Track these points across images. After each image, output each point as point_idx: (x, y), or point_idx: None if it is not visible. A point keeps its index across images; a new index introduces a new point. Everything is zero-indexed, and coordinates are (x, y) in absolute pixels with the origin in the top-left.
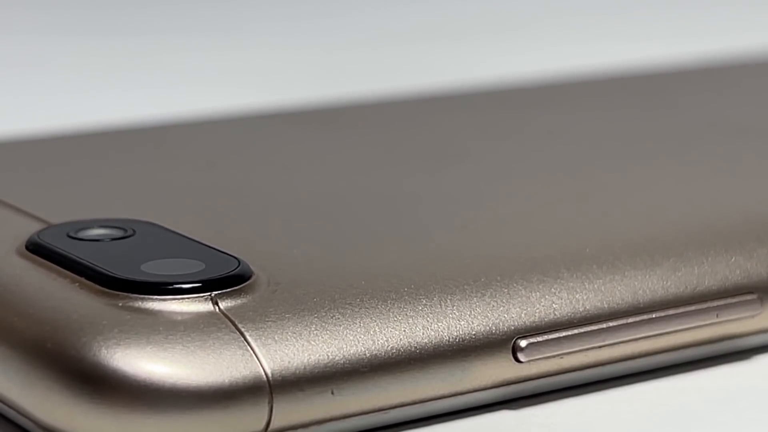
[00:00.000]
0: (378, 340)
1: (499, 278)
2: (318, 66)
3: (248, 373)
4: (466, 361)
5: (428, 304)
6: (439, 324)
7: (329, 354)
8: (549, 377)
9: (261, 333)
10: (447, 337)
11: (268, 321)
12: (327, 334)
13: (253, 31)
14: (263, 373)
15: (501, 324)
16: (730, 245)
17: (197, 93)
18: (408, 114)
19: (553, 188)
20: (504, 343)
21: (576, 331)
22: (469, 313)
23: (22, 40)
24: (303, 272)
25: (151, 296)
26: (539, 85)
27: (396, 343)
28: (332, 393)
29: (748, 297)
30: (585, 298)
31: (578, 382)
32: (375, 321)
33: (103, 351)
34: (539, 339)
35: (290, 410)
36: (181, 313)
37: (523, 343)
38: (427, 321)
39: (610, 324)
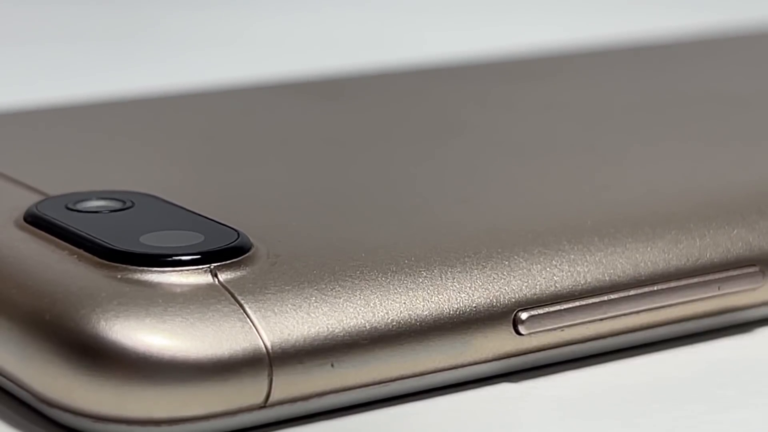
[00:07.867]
0: (378, 313)
1: (500, 250)
2: (316, 38)
3: (248, 345)
4: (467, 333)
5: (429, 276)
6: (440, 296)
7: (329, 326)
8: (550, 350)
9: (260, 305)
10: (447, 310)
11: (267, 293)
12: (327, 306)
13: (252, 3)
14: (263, 346)
15: (502, 296)
16: (732, 217)
17: (196, 64)
18: (408, 86)
19: (554, 160)
20: (505, 315)
21: (577, 303)
22: (469, 285)
23: (18, 10)
24: (303, 244)
25: (150, 268)
26: (539, 57)
27: (396, 315)
28: (332, 366)
29: (750, 269)
30: (586, 270)
31: (579, 354)
32: (375, 293)
33: (102, 323)
34: (540, 311)
35: (290, 383)
36: (180, 285)
37: (524, 315)
38: (428, 293)
39: (612, 296)
